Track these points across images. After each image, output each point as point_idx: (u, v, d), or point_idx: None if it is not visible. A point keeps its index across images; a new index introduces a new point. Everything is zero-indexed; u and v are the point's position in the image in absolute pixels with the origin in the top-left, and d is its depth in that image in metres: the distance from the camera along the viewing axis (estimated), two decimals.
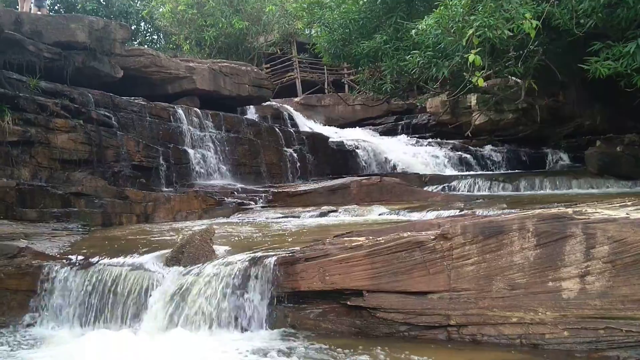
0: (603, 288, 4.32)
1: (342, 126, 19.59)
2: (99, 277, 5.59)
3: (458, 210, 7.97)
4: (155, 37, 30.54)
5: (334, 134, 17.61)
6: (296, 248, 5.52)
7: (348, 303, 5.03)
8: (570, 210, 4.59)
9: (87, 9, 25.56)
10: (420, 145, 16.57)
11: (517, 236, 4.58)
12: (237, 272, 5.24)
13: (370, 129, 19.39)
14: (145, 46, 26.78)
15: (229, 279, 5.21)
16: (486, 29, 8.41)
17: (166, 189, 11.25)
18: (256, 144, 13.83)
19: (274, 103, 18.45)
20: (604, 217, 4.43)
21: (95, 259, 5.89)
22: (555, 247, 4.46)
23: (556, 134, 15.69)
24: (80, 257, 6.06)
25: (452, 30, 9.02)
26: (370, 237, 5.37)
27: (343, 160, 15.58)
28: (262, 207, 10.70)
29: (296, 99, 21.58)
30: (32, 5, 13.61)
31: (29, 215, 8.56)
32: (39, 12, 13.26)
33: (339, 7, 12.35)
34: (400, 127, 19.52)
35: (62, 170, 10.03)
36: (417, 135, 18.09)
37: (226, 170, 13.04)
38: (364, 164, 15.76)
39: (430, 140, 17.08)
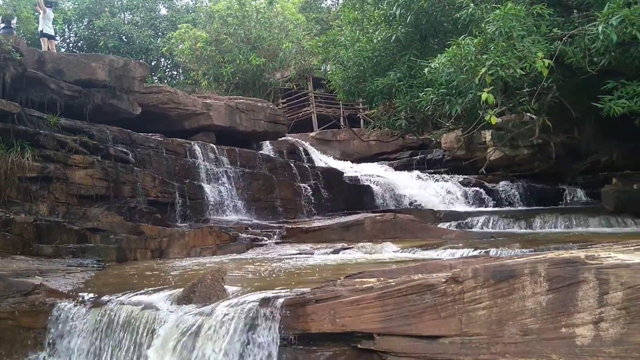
0: (617, 335, 4.22)
1: (357, 161, 19.67)
2: (110, 316, 5.61)
3: (472, 250, 7.90)
4: (175, 72, 31.33)
5: (349, 168, 17.68)
6: (307, 289, 5.50)
7: (359, 346, 4.96)
8: (582, 255, 4.52)
9: (109, 46, 26.40)
10: (435, 181, 16.53)
11: (528, 280, 4.52)
12: (247, 313, 5.22)
13: (385, 163, 19.43)
14: (165, 82, 27.40)
15: (238, 319, 5.19)
16: (498, 68, 8.40)
17: (181, 224, 11.33)
18: (271, 179, 13.91)
19: (289, 138, 18.63)
20: (617, 262, 4.35)
21: (106, 297, 5.91)
22: (567, 292, 4.39)
23: (572, 170, 15.56)
24: (92, 295, 6.09)
25: (464, 69, 9.04)
26: (382, 279, 5.32)
27: (358, 195, 15.58)
28: (276, 243, 10.72)
29: (312, 134, 21.78)
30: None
31: (45, 250, 8.67)
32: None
33: (353, 45, 12.49)
34: (415, 162, 19.55)
35: (79, 205, 10.20)
36: (432, 171, 18.08)
37: (241, 205, 13.10)
38: (378, 199, 15.72)
39: (445, 175, 17.03)
